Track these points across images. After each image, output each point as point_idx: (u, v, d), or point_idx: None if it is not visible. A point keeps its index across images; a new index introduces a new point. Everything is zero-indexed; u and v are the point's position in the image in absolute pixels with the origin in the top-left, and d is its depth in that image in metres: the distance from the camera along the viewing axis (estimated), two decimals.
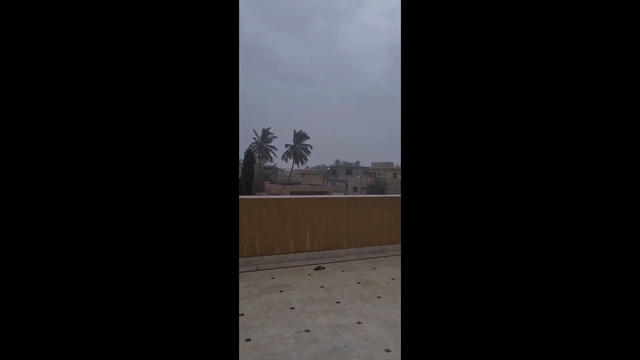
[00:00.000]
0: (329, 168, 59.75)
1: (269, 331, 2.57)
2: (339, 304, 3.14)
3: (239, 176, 24.64)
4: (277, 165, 49.14)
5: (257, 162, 41.60)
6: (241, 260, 4.23)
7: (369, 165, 48.03)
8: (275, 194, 26.37)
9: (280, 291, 3.43)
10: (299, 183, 35.34)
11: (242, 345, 2.37)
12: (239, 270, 4.04)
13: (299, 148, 45.27)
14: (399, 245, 5.28)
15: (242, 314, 2.86)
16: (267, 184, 33.77)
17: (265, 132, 44.03)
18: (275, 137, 44.48)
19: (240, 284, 3.60)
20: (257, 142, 43.72)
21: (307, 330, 2.61)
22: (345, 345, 2.40)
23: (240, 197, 4.53)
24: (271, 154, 44.84)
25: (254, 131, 44.07)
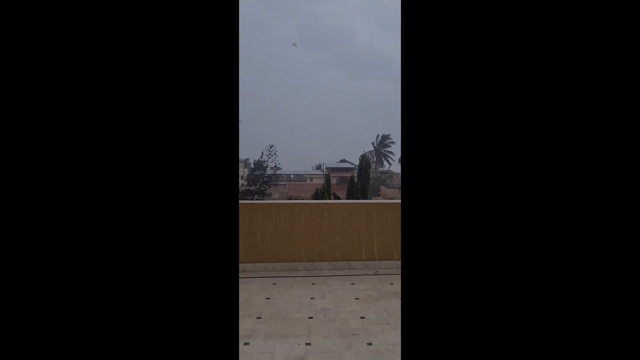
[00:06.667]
0: None
1: (390, 338, 2.53)
2: None
3: (355, 181, 25.11)
4: (392, 170, 48.49)
5: (374, 166, 41.72)
6: (359, 264, 4.28)
7: None
8: (391, 198, 26.00)
9: (400, 298, 3.34)
10: None
11: (364, 348, 2.38)
12: (360, 274, 4.09)
13: None
14: None
15: (363, 317, 2.88)
16: (382, 188, 33.60)
17: (385, 137, 43.97)
18: (393, 142, 44.02)
19: (360, 287, 3.64)
20: (374, 147, 44.00)
21: None
22: None
23: (356, 201, 4.60)
24: (389, 159, 44.52)
25: (378, 136, 44.46)
